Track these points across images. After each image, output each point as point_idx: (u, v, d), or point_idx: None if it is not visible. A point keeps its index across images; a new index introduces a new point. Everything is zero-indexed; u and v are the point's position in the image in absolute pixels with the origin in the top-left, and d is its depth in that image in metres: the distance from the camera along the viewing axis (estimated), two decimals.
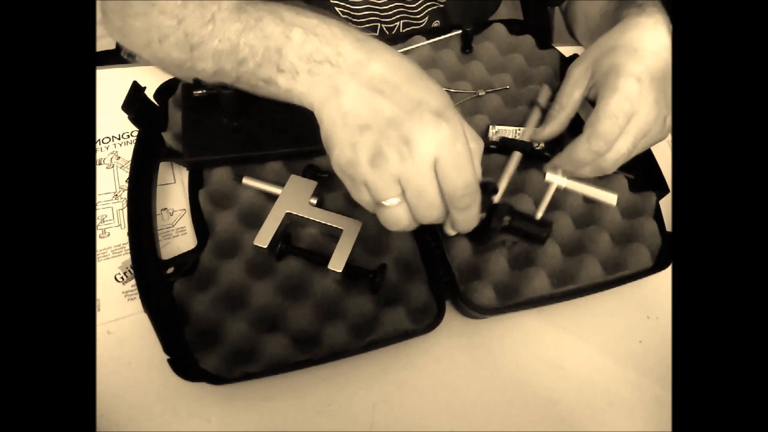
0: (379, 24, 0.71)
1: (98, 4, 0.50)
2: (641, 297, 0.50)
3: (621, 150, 0.49)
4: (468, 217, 0.42)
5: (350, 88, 0.39)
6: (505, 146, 0.54)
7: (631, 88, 0.47)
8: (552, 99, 0.57)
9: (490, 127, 0.56)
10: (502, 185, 0.52)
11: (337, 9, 0.69)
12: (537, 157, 0.53)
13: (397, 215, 0.40)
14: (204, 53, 0.45)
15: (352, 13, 0.69)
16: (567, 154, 0.50)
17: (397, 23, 0.72)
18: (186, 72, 0.49)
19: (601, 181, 0.54)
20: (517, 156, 0.54)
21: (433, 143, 0.37)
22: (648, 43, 0.49)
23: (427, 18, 0.72)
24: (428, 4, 0.71)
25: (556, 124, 0.53)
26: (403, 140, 0.37)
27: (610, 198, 0.51)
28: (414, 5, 0.71)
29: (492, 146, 0.55)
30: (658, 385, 0.47)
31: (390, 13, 0.71)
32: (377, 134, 0.38)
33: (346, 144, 0.39)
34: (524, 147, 0.54)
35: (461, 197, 0.40)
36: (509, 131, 0.56)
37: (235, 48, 0.43)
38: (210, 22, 0.44)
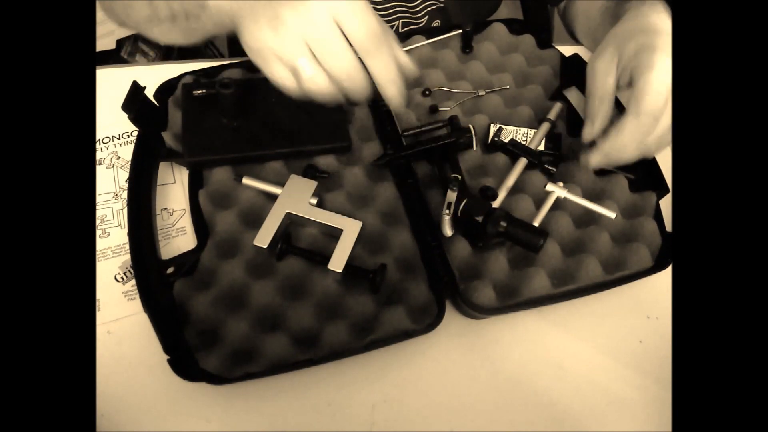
0: None
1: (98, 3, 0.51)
2: (641, 297, 0.50)
3: (665, 125, 0.47)
4: (383, 63, 0.43)
5: None
6: (513, 149, 0.54)
7: (667, 62, 0.46)
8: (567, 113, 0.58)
9: (492, 125, 0.56)
10: (503, 192, 0.52)
11: None
12: (541, 169, 0.53)
13: (314, 80, 0.42)
14: (160, 3, 0.47)
15: None
16: (614, 138, 0.49)
17: (396, 22, 0.72)
18: (155, 25, 0.50)
19: (602, 179, 0.54)
20: (522, 163, 0.54)
21: None
22: (666, 26, 0.49)
23: (426, 17, 0.72)
24: (428, 3, 0.71)
25: (601, 119, 0.51)
26: (297, 2, 0.40)
27: (609, 212, 0.51)
28: (413, 4, 0.70)
29: (496, 141, 0.54)
30: (658, 385, 0.47)
31: (389, 12, 0.70)
32: (272, 5, 0.41)
33: (251, 24, 0.42)
34: (531, 154, 0.54)
35: (369, 43, 0.41)
36: (510, 131, 0.56)
37: None
38: None
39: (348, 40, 0.41)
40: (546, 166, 0.52)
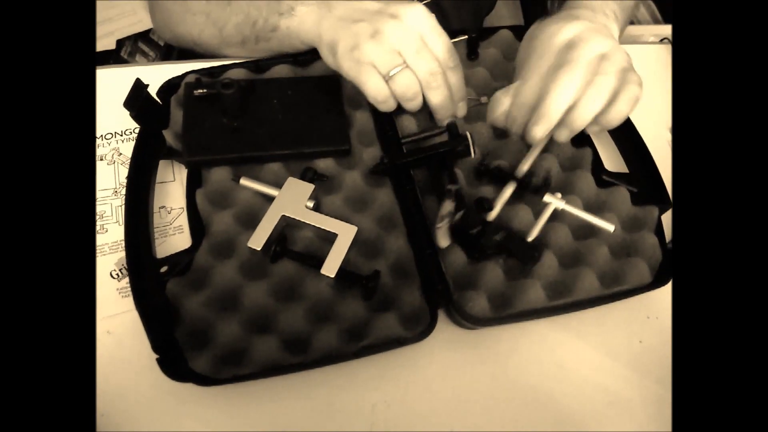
0: None
1: (151, 20, 0.65)
2: (641, 297, 0.49)
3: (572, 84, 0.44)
4: (457, 78, 0.52)
5: (338, 3, 0.52)
6: (499, 175, 0.53)
7: (562, 28, 0.48)
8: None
9: (482, 97, 0.58)
10: (499, 205, 0.51)
11: None
12: (532, 190, 0.52)
13: (406, 79, 0.49)
14: (230, 30, 0.58)
15: None
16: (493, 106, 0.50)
17: None
18: (224, 49, 0.60)
19: (604, 191, 0.54)
20: (511, 186, 0.52)
21: (417, 15, 0.49)
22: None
23: None
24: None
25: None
26: (392, 17, 0.48)
27: (607, 225, 0.50)
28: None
29: (482, 167, 0.53)
30: (658, 385, 0.46)
31: None
32: (370, 20, 0.49)
33: (349, 36, 0.49)
34: (518, 179, 0.53)
35: (449, 56, 0.50)
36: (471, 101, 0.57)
37: (248, 15, 0.55)
38: (227, 5, 0.56)
39: (436, 51, 0.49)
40: (535, 188, 0.51)
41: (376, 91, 0.50)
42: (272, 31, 0.53)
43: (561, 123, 0.46)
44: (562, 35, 0.48)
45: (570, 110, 0.45)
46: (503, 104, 0.49)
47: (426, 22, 0.49)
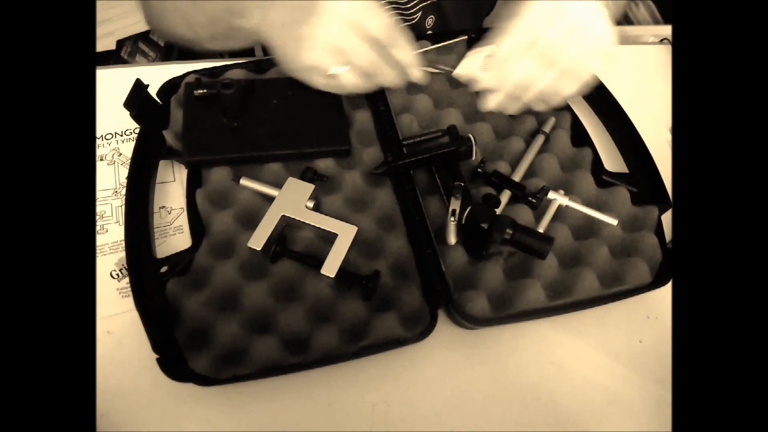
0: None
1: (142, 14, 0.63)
2: (641, 297, 0.50)
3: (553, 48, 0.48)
4: (404, 50, 0.50)
5: (275, 4, 0.50)
6: (496, 182, 0.53)
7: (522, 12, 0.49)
8: (555, 127, 0.58)
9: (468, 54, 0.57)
10: (503, 202, 0.52)
11: None
12: (526, 202, 0.52)
13: (349, 77, 0.50)
14: (200, 28, 0.56)
15: None
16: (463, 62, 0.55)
17: None
18: (202, 44, 0.59)
19: (604, 191, 0.54)
20: (506, 195, 0.53)
21: (343, 6, 0.47)
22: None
23: (420, 13, 0.71)
24: (420, 0, 0.70)
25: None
26: (322, 14, 0.47)
27: (610, 219, 0.51)
28: (404, 0, 0.70)
29: (479, 172, 0.53)
30: (658, 385, 0.46)
31: None
32: (302, 22, 0.48)
33: (285, 42, 0.50)
34: (515, 187, 0.53)
35: (388, 33, 0.49)
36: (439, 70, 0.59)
37: (212, 14, 0.54)
38: (193, 4, 0.55)
39: (371, 35, 0.48)
40: (529, 199, 0.51)
41: (328, 88, 0.52)
42: (234, 29, 0.53)
43: (512, 98, 0.53)
44: (531, 17, 0.49)
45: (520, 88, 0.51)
46: (473, 67, 0.54)
47: (355, 9, 0.48)
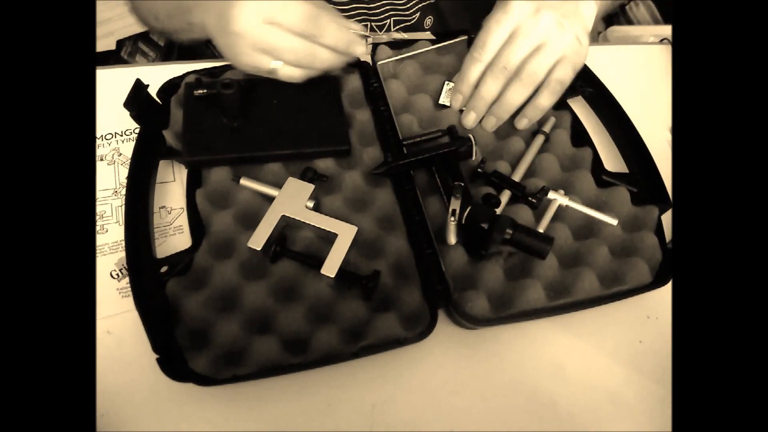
0: (369, 23, 0.71)
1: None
2: (641, 297, 0.49)
3: (511, 60, 0.51)
4: (331, 35, 0.49)
5: (206, 4, 0.51)
6: (496, 182, 0.53)
7: (508, 6, 0.51)
8: (555, 127, 0.58)
9: (446, 83, 0.59)
10: (503, 202, 0.52)
11: None
12: (526, 202, 0.52)
13: (286, 71, 0.51)
14: (164, 21, 0.59)
15: (340, 12, 0.69)
16: (460, 73, 0.55)
17: (388, 20, 0.71)
18: (173, 36, 0.60)
19: (604, 191, 0.54)
20: (506, 195, 0.53)
21: (253, 6, 0.47)
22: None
23: (418, 14, 0.71)
24: None
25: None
26: (232, 18, 0.47)
27: (610, 219, 0.51)
28: (403, 1, 0.70)
29: (480, 169, 0.53)
30: (658, 385, 0.46)
31: (379, 10, 0.70)
32: (225, 26, 0.48)
33: (223, 46, 0.50)
34: (515, 187, 0.53)
35: (307, 25, 0.48)
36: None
37: (168, 9, 0.56)
38: None
39: (291, 29, 0.48)
40: (530, 199, 0.51)
41: (283, 78, 0.52)
42: (189, 24, 0.54)
43: (489, 112, 0.55)
44: (504, 25, 0.51)
45: (495, 103, 0.54)
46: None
47: (269, 6, 0.47)
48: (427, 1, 0.71)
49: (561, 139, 0.57)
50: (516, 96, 0.53)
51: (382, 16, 0.70)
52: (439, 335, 0.45)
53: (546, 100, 0.53)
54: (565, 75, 0.53)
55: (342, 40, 0.50)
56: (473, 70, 0.54)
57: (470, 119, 0.55)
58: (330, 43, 0.50)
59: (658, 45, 0.72)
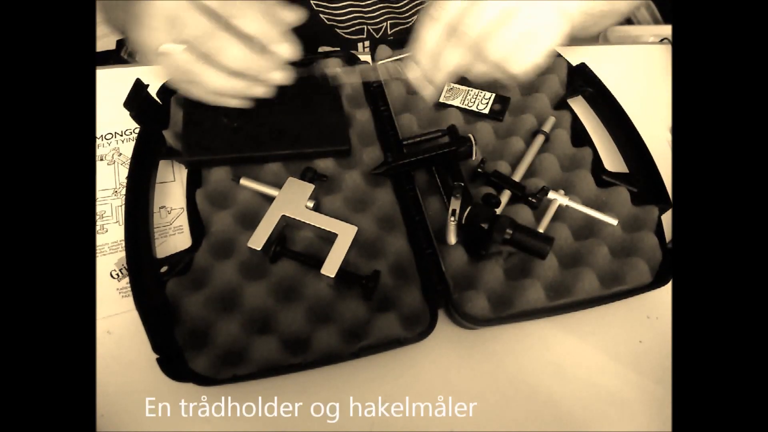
0: (365, 26, 0.70)
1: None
2: (641, 297, 0.49)
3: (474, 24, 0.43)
4: (252, 24, 0.44)
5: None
6: (496, 182, 0.53)
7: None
8: (555, 127, 0.58)
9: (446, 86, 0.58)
10: (503, 201, 0.52)
11: (320, 13, 0.68)
12: (526, 202, 0.51)
13: (180, 59, 0.45)
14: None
15: (335, 15, 0.68)
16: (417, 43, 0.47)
17: (384, 24, 0.71)
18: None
19: (604, 191, 0.54)
20: (507, 195, 0.53)
21: (159, 7, 0.43)
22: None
23: (416, 17, 0.71)
24: (416, 2, 0.70)
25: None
26: (137, 27, 0.45)
27: (611, 219, 0.51)
28: (399, 5, 0.69)
29: (480, 169, 0.53)
30: (658, 385, 0.46)
31: (376, 14, 0.70)
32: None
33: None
34: (515, 187, 0.53)
35: (266, 30, 0.44)
36: (462, 90, 0.58)
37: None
38: None
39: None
40: (530, 199, 0.51)
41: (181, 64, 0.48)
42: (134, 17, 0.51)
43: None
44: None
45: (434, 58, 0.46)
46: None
47: (174, 7, 0.43)
48: (423, 5, 0.71)
49: (561, 139, 0.57)
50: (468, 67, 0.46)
51: (379, 19, 0.70)
52: (439, 335, 0.45)
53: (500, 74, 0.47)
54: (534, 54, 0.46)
55: (263, 33, 0.45)
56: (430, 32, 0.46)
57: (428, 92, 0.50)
58: (248, 31, 0.44)
59: (658, 45, 0.72)
